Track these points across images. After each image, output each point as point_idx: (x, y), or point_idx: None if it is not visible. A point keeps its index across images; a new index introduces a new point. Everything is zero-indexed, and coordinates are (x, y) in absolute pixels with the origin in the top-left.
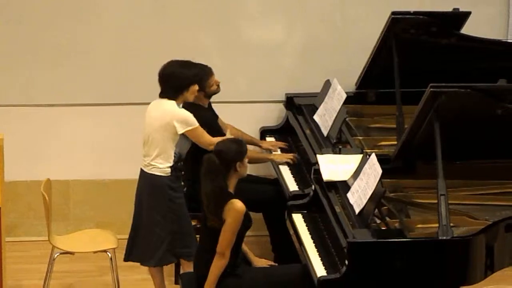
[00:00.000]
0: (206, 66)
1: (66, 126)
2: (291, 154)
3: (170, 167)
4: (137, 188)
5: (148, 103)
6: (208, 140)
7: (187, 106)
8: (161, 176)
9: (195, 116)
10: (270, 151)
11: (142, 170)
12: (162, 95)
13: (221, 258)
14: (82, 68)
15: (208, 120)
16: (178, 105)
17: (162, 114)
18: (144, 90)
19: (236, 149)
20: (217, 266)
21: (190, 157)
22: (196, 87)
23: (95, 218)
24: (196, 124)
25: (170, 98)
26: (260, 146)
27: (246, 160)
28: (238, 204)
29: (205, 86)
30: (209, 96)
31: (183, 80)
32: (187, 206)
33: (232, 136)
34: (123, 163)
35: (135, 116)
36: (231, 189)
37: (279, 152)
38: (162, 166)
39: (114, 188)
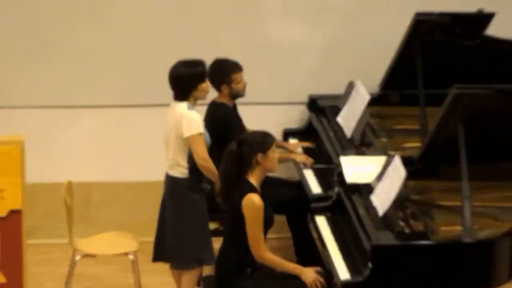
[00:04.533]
0: (233, 62)
1: (88, 128)
2: (311, 158)
3: (188, 168)
4: (163, 189)
5: (169, 105)
6: (202, 153)
7: (214, 106)
8: (180, 178)
9: (214, 114)
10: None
11: (166, 172)
12: (175, 97)
13: (260, 258)
14: (104, 69)
15: (228, 118)
16: (191, 106)
17: (174, 117)
18: (165, 91)
19: (259, 139)
20: (267, 261)
21: (211, 157)
22: (205, 84)
23: (116, 220)
24: (196, 131)
25: (181, 99)
26: (286, 148)
27: (270, 153)
28: (254, 198)
29: (231, 81)
30: (234, 96)
31: (189, 80)
32: (208, 207)
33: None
34: (145, 165)
35: (157, 117)
36: (254, 182)
37: (300, 150)
38: (180, 168)
39: (135, 190)
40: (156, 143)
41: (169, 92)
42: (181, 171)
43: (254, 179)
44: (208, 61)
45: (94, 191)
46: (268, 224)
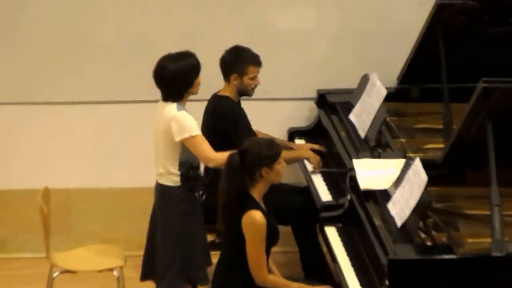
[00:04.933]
0: (255, 54)
1: (67, 126)
2: (318, 146)
3: (180, 175)
4: (154, 199)
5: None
6: (209, 154)
7: (217, 99)
8: (171, 186)
9: (217, 107)
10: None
11: (156, 181)
12: (165, 98)
13: (260, 281)
14: (82, 63)
15: (233, 113)
16: (181, 107)
17: (163, 118)
18: (155, 86)
19: (264, 152)
20: (269, 284)
21: None
22: (199, 78)
23: (100, 232)
24: (195, 132)
25: (174, 100)
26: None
27: (277, 165)
28: (256, 216)
29: (245, 73)
30: (241, 92)
31: (184, 76)
32: (204, 218)
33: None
34: (132, 169)
35: (146, 115)
36: (256, 196)
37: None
38: (170, 176)
39: (121, 198)
40: (145, 143)
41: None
42: (172, 179)
43: (256, 192)
44: (205, 54)
45: (75, 199)
46: (272, 240)
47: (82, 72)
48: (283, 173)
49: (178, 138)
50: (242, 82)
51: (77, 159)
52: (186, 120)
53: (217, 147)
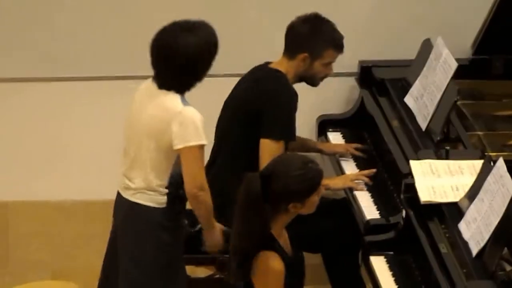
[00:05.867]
0: (340, 34)
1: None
2: (368, 170)
3: (167, 195)
4: (113, 218)
5: (140, 78)
6: (199, 176)
7: (269, 72)
8: (150, 207)
9: (284, 92)
10: (335, 156)
11: (119, 195)
12: (161, 85)
13: None
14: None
15: (290, 100)
16: (185, 100)
17: (159, 111)
18: (139, 58)
19: (296, 186)
20: None
21: (226, 169)
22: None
23: (50, 263)
24: (197, 140)
25: (179, 90)
26: (322, 153)
27: (314, 197)
28: (272, 262)
29: (320, 56)
30: (304, 77)
31: (200, 61)
32: (195, 248)
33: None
34: (95, 175)
35: (116, 98)
36: (276, 229)
37: (351, 162)
38: (153, 194)
39: (79, 214)
40: (112, 139)
41: (140, 60)
42: (154, 199)
43: (276, 225)
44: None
45: (14, 216)
46: (294, 279)
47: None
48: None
49: (179, 145)
50: (311, 66)
51: (18, 163)
52: (196, 121)
53: (238, 138)
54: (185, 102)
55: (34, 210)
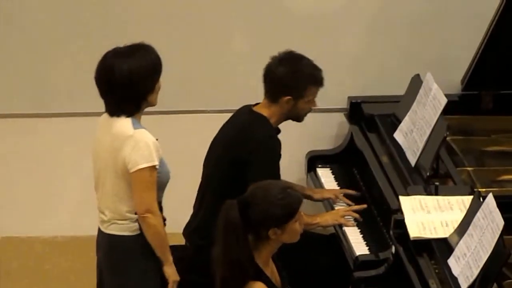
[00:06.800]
0: (316, 67)
1: None
2: (358, 206)
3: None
4: (96, 253)
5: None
6: (147, 198)
7: (253, 118)
8: (124, 236)
9: (265, 142)
10: (328, 201)
11: (99, 229)
12: (112, 112)
13: None
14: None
15: (274, 148)
16: (138, 123)
17: (111, 139)
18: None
19: (274, 209)
20: None
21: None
22: (160, 84)
23: None
24: (148, 162)
25: (128, 113)
26: (311, 199)
27: (293, 224)
28: None
29: (302, 95)
30: (290, 116)
31: (140, 81)
32: (185, 278)
33: None
34: (86, 208)
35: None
36: (260, 259)
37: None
38: (123, 221)
39: (70, 250)
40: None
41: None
42: (126, 227)
43: (260, 254)
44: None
45: (4, 251)
46: None
47: None
48: (301, 230)
49: (134, 168)
50: (295, 106)
51: (7, 199)
52: (148, 142)
53: (225, 182)
54: (137, 125)
55: (16, 247)
